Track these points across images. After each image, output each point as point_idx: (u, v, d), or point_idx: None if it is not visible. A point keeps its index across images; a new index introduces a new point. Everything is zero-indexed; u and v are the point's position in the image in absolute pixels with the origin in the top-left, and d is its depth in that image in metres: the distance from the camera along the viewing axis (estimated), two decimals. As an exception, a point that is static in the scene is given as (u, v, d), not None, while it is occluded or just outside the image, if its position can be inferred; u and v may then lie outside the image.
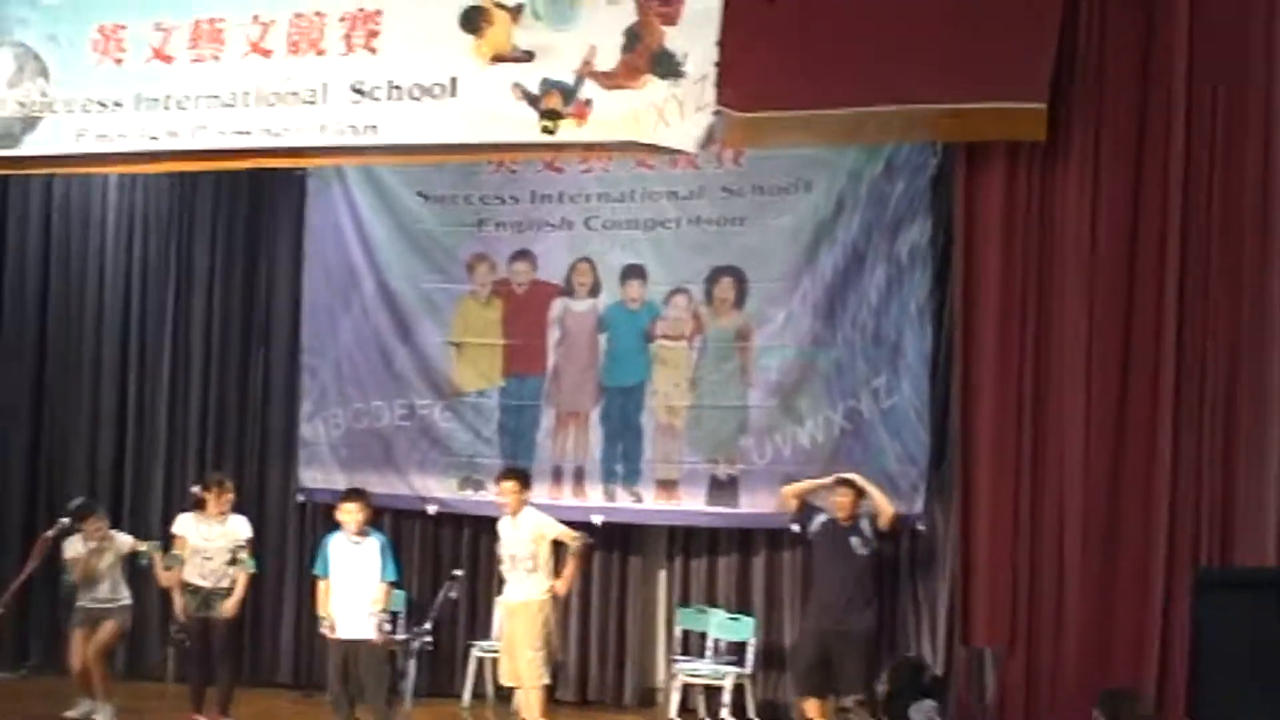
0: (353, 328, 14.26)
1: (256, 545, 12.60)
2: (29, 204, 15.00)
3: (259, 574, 12.76)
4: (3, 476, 15.02)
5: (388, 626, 11.22)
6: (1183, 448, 9.12)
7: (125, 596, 12.62)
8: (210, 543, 12.25)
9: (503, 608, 12.00)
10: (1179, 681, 8.68)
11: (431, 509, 13.97)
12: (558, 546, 11.87)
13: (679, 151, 10.85)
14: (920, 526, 12.50)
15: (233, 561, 12.18)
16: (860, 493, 11.94)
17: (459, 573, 11.11)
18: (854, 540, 11.85)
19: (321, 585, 11.88)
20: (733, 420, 13.21)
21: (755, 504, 13.03)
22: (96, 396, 14.86)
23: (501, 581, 12.19)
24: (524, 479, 12.08)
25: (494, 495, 12.46)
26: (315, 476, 14.25)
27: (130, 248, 14.93)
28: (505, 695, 12.31)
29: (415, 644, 10.39)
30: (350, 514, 11.81)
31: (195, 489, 12.67)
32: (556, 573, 11.82)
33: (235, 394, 14.71)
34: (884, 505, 11.86)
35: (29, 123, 11.68)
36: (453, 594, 10.88)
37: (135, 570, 12.69)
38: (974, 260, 9.99)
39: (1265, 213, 9.15)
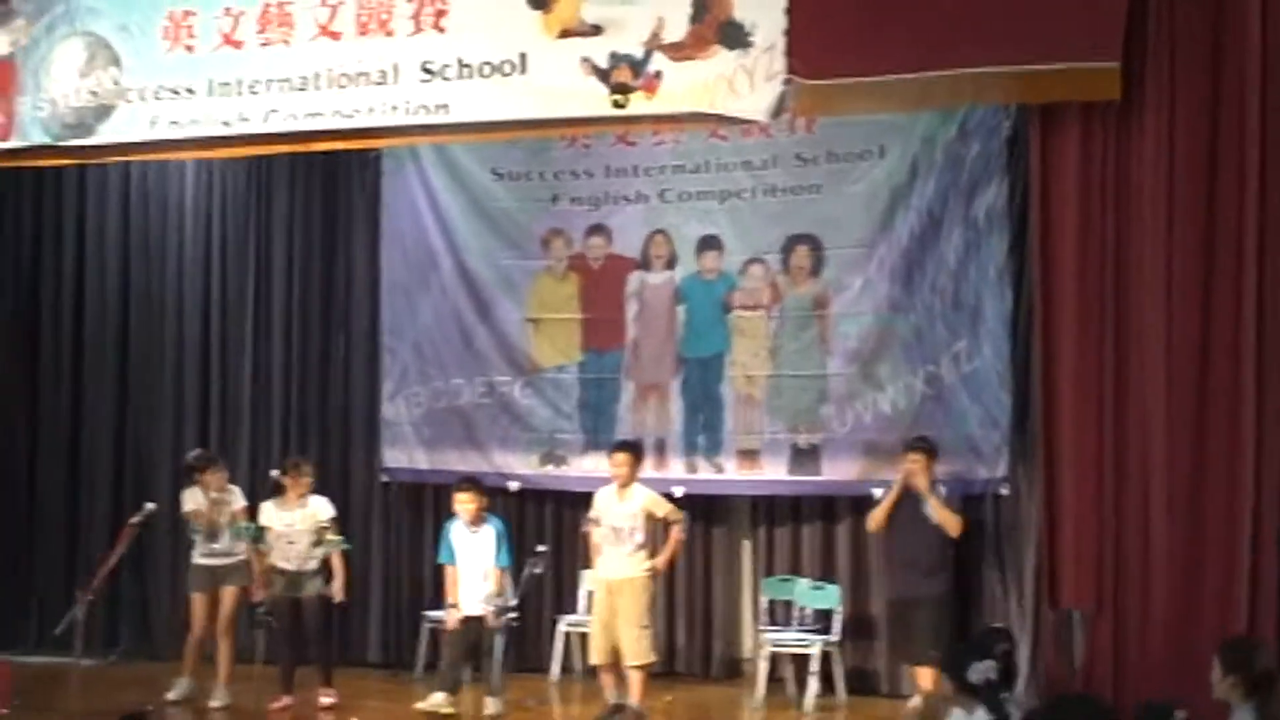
0: (431, 307, 14.30)
1: (342, 526, 12.70)
2: (107, 192, 15.13)
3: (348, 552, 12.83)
4: (89, 465, 15.17)
5: (494, 607, 11.37)
6: (1267, 403, 9.03)
7: (241, 552, 12.79)
8: (292, 527, 12.44)
9: (600, 584, 11.96)
10: (1268, 638, 8.60)
11: (513, 486, 14.00)
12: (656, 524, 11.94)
13: (750, 121, 10.83)
14: (1004, 490, 12.44)
15: (318, 543, 12.30)
16: (931, 455, 11.89)
17: (543, 548, 11.17)
18: (927, 508, 11.84)
19: (449, 572, 12.37)
20: (812, 389, 13.18)
21: (837, 472, 13.02)
22: (179, 383, 14.96)
23: (586, 555, 12.21)
24: (637, 452, 12.14)
25: (578, 471, 12.49)
26: (398, 456, 14.32)
27: (209, 233, 15.03)
28: (592, 671, 12.31)
29: (502, 620, 10.43)
30: (464, 504, 12.27)
31: (275, 474, 12.82)
32: (650, 550, 11.87)
33: (316, 377, 14.78)
34: (953, 524, 11.88)
35: (102, 111, 11.77)
36: (537, 570, 10.93)
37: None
38: (1051, 221, 9.91)
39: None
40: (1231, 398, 9.10)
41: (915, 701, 11.79)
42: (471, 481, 12.59)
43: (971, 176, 12.59)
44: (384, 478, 14.31)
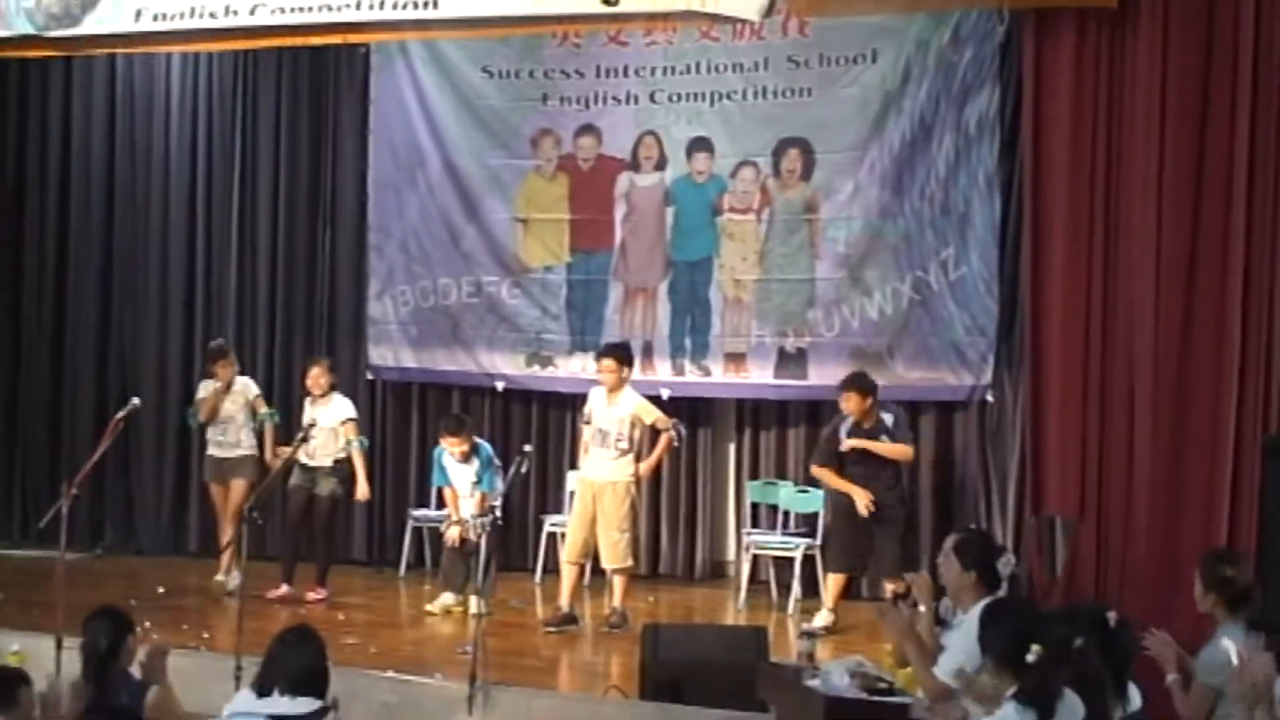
0: (419, 205, 14.25)
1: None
2: (92, 86, 15.03)
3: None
4: (73, 360, 15.14)
5: (476, 525, 11.50)
6: (1252, 316, 9.02)
7: (249, 445, 12.94)
8: (315, 425, 12.62)
9: (585, 484, 11.94)
10: (1248, 548, 8.63)
11: (500, 385, 14.01)
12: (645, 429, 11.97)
13: (742, 21, 10.74)
14: (989, 397, 12.47)
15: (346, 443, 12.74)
16: (865, 392, 11.76)
17: (529, 448, 11.15)
18: (883, 439, 11.75)
19: (448, 493, 12.59)
20: (801, 293, 13.17)
21: (824, 376, 12.98)
22: (165, 279, 14.91)
23: (574, 455, 12.23)
24: (624, 356, 12.05)
25: (564, 372, 12.54)
26: (384, 355, 14.32)
27: (195, 128, 14.93)
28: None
29: (487, 519, 10.45)
30: (452, 447, 12.40)
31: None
32: (638, 456, 11.91)
33: (303, 273, 14.75)
34: (898, 452, 11.79)
35: (89, 2, 11.64)
36: (523, 469, 10.93)
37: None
38: (1043, 129, 9.88)
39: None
40: (1218, 307, 9.10)
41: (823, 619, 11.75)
42: (458, 423, 12.65)
43: (963, 82, 12.53)
44: (369, 375, 14.27)
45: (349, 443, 12.73)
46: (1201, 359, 9.12)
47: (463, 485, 12.48)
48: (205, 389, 13.10)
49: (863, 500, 11.61)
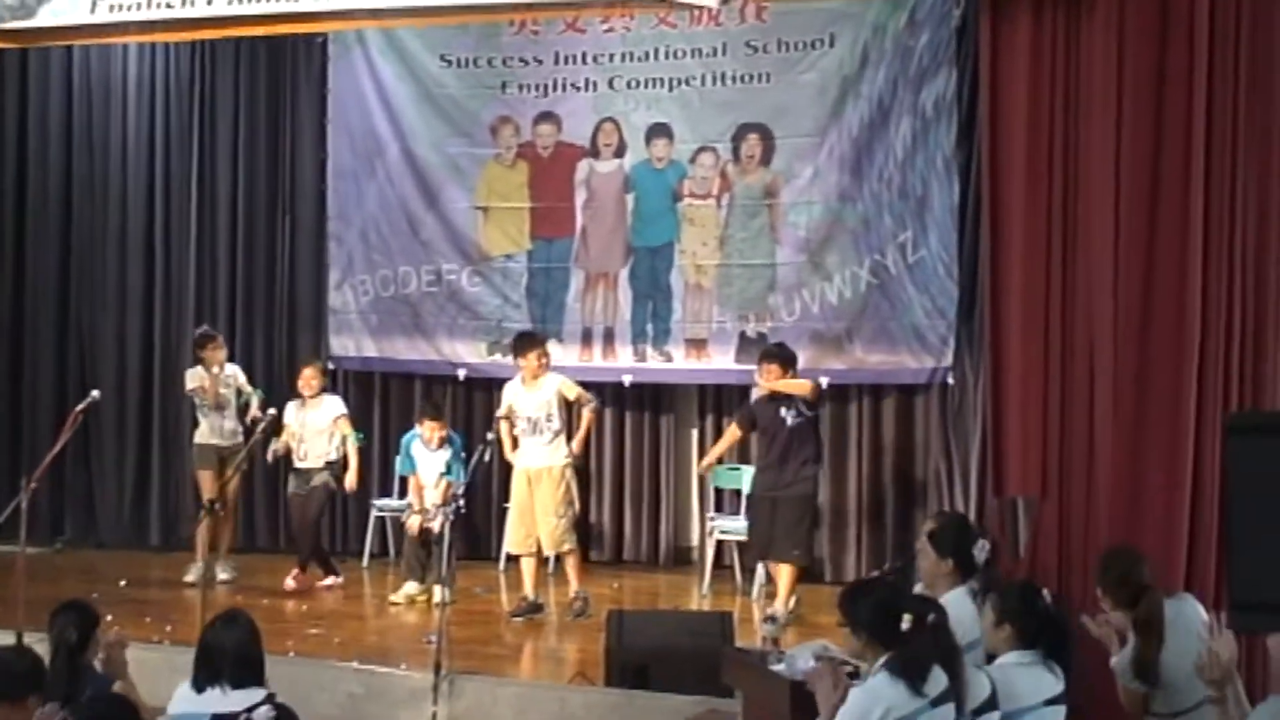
0: (378, 194, 14.25)
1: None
2: (49, 77, 14.98)
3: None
4: (33, 352, 15.10)
5: (441, 514, 11.49)
6: (1211, 294, 9.03)
7: (241, 434, 12.94)
8: (305, 427, 12.82)
9: (521, 473, 11.97)
10: (1210, 527, 8.67)
11: (461, 374, 14.02)
12: (569, 407, 12.06)
13: (700, 7, 10.75)
14: (950, 380, 12.53)
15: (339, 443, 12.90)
16: (785, 365, 11.74)
17: (491, 436, 11.15)
18: (783, 410, 11.73)
19: (412, 481, 12.75)
20: (761, 278, 13.20)
21: (785, 361, 13.03)
22: (123, 270, 14.87)
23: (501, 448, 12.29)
24: (546, 348, 12.16)
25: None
26: (345, 344, 14.32)
27: (153, 119, 14.90)
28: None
29: (450, 509, 10.45)
30: (434, 430, 12.62)
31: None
32: (569, 435, 12.03)
33: (263, 263, 14.73)
34: (799, 387, 11.72)
35: (43, -7, 11.57)
36: (485, 457, 10.93)
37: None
38: (1000, 111, 9.86)
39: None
40: (1178, 285, 9.10)
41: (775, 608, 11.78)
42: (437, 409, 12.89)
43: (920, 66, 12.61)
44: (330, 365, 14.21)
45: (345, 438, 12.85)
46: (1161, 338, 9.13)
47: (429, 474, 12.57)
48: (195, 377, 13.08)
49: (708, 459, 12.33)
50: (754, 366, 12.87)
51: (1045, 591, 6.78)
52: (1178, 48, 9.21)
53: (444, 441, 12.65)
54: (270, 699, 6.32)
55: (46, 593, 9.20)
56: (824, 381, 12.33)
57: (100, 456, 14.83)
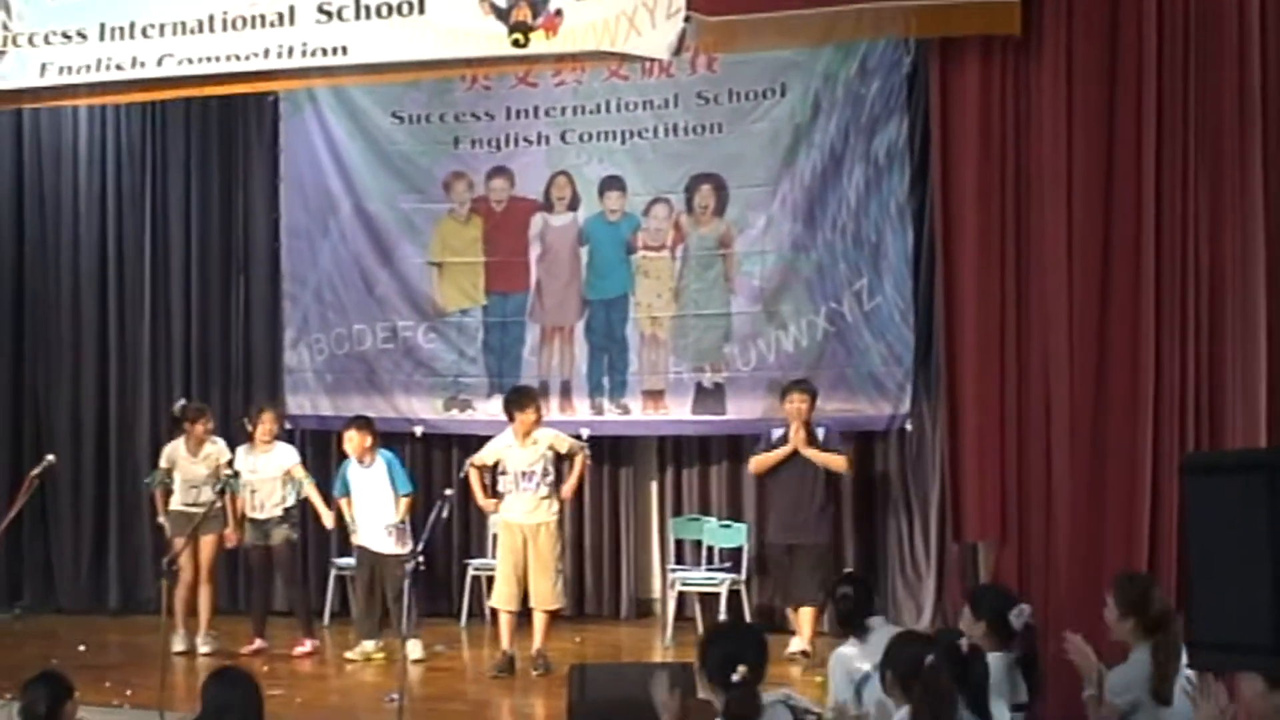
0: (331, 252, 14.22)
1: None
2: (-1, 140, 14.90)
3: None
4: (-13, 417, 14.97)
5: (407, 539, 11.30)
6: (1164, 336, 9.08)
7: (218, 502, 12.61)
8: (255, 474, 12.64)
9: (511, 528, 11.85)
10: (1169, 567, 8.70)
11: (418, 430, 13.97)
12: (559, 459, 11.98)
13: (652, 59, 10.78)
14: (908, 426, 12.55)
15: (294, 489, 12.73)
16: (814, 396, 12.00)
17: (450, 492, 11.08)
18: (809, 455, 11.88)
19: (344, 502, 12.48)
20: (717, 328, 13.21)
21: (742, 410, 13.07)
22: (77, 331, 14.79)
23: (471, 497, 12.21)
24: (539, 403, 12.19)
25: (483, 415, 12.56)
26: (301, 403, 14.27)
27: (104, 180, 14.85)
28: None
29: (409, 565, 10.40)
30: (351, 441, 12.35)
31: (245, 421, 12.97)
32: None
33: (218, 323, 14.69)
34: (835, 463, 11.97)
35: (-8, 58, 11.55)
36: (444, 513, 10.88)
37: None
38: (951, 157, 9.92)
39: (1242, 98, 9.06)
40: (1132, 329, 9.15)
41: (797, 645, 11.87)
42: (358, 420, 12.66)
43: (872, 113, 12.66)
44: (288, 425, 14.13)
45: (300, 482, 12.71)
46: (1117, 379, 9.17)
47: (370, 493, 12.33)
48: (171, 453, 12.86)
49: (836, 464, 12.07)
50: (710, 417, 12.96)
51: (964, 641, 6.76)
52: (1126, 87, 9.29)
53: (373, 454, 12.36)
54: None
55: (5, 659, 9.18)
56: (778, 432, 12.34)
57: (57, 521, 14.72)
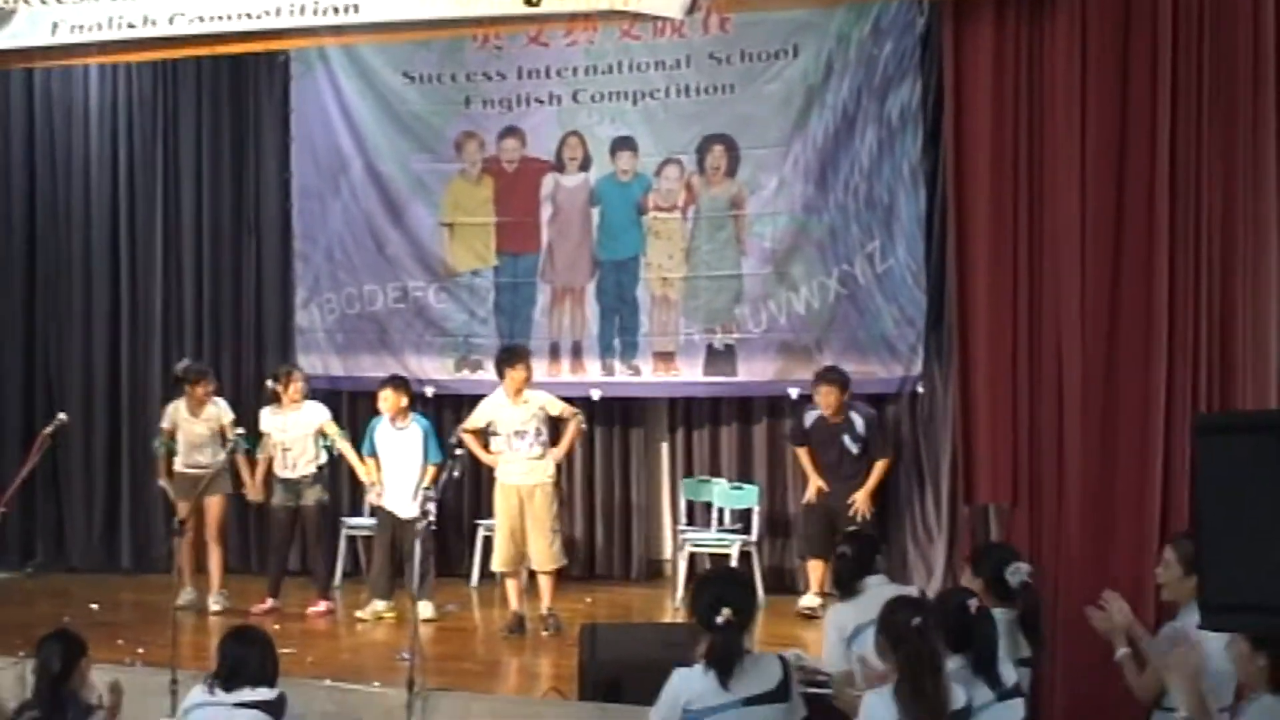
0: (343, 212, 14.22)
1: (257, 435, 12.70)
2: (10, 100, 14.87)
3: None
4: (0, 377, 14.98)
5: (432, 506, 11.28)
6: (1178, 297, 9.05)
7: (223, 460, 12.65)
8: (286, 433, 12.67)
9: (508, 490, 11.86)
10: (1181, 529, 8.65)
11: (429, 391, 13.97)
12: (552, 422, 11.98)
13: (664, 19, 10.69)
14: (920, 388, 12.54)
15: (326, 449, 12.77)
16: (843, 386, 12.08)
17: (460, 451, 11.12)
18: (846, 439, 12.16)
19: (369, 461, 12.54)
20: (728, 289, 13.19)
21: (753, 372, 13.07)
22: (89, 292, 14.79)
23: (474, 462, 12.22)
24: (529, 360, 12.13)
25: (493, 376, 12.51)
26: (313, 363, 14.23)
27: (115, 140, 14.83)
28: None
29: (421, 525, 10.42)
30: (386, 400, 12.43)
31: (269, 383, 12.88)
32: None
33: (229, 284, 14.68)
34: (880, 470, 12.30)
35: (2, 16, 11.50)
36: (455, 473, 10.91)
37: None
38: (964, 119, 9.87)
39: (1256, 56, 9.02)
40: (1145, 288, 9.12)
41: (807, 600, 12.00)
42: (393, 379, 12.71)
43: (885, 75, 12.62)
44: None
45: (333, 440, 12.73)
46: (1129, 341, 9.15)
47: (399, 457, 12.41)
48: (173, 414, 12.93)
49: (812, 488, 12.28)
50: (721, 379, 12.98)
51: (972, 601, 6.79)
52: (1140, 49, 9.24)
53: (408, 416, 12.50)
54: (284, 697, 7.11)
55: (18, 617, 9.20)
56: (793, 393, 12.41)
57: (69, 479, 14.75)
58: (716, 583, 7.20)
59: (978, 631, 6.68)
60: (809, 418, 12.31)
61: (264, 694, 7.08)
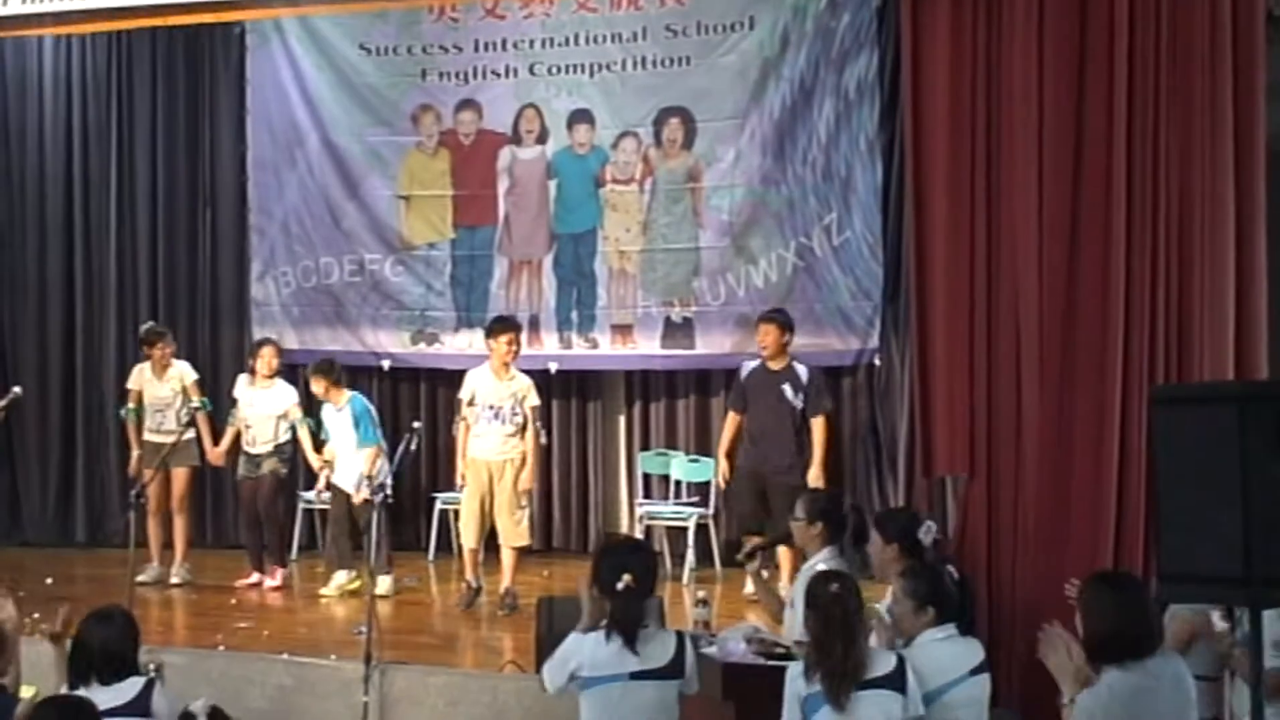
0: (299, 184, 14.19)
1: (215, 408, 12.65)
2: (-38, 71, 14.78)
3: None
4: (-48, 348, 14.91)
5: (378, 497, 11.12)
6: (1135, 269, 9.06)
7: (190, 430, 12.65)
8: (253, 409, 12.63)
9: (478, 464, 11.72)
10: (1138, 500, 8.71)
11: (385, 364, 13.95)
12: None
13: (620, -9, 10.70)
14: (877, 361, 12.56)
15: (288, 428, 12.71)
16: (784, 329, 11.85)
17: (418, 425, 11.08)
18: (787, 387, 11.80)
19: (327, 447, 12.54)
20: (685, 262, 13.20)
21: (710, 345, 13.08)
22: (43, 263, 14.75)
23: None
24: (520, 333, 12.03)
25: (450, 349, 12.50)
26: (268, 336, 14.14)
27: (70, 111, 14.78)
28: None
29: (377, 498, 10.39)
30: (315, 384, 12.44)
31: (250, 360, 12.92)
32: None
33: (184, 256, 14.64)
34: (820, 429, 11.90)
35: (-44, -13, 11.44)
36: (412, 446, 10.87)
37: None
38: (922, 91, 9.85)
39: (1213, 29, 9.05)
40: (1101, 263, 9.12)
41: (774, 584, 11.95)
42: (321, 363, 12.68)
43: (842, 47, 12.63)
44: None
45: (295, 425, 12.68)
46: (1086, 314, 9.15)
47: (340, 436, 12.41)
48: (137, 377, 12.85)
49: (721, 472, 12.16)
50: (679, 351, 12.95)
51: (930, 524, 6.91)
52: (1098, 26, 9.23)
53: (341, 397, 12.43)
54: (153, 680, 6.77)
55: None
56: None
57: (24, 453, 14.72)
58: (619, 551, 7.38)
59: (961, 596, 6.79)
60: (746, 369, 12.03)
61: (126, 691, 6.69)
